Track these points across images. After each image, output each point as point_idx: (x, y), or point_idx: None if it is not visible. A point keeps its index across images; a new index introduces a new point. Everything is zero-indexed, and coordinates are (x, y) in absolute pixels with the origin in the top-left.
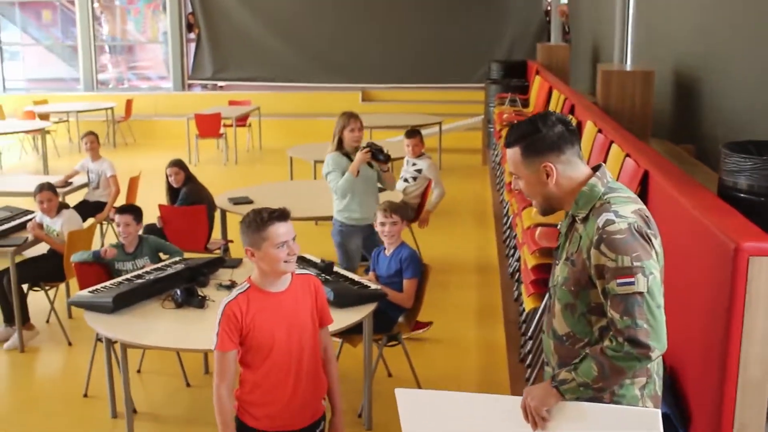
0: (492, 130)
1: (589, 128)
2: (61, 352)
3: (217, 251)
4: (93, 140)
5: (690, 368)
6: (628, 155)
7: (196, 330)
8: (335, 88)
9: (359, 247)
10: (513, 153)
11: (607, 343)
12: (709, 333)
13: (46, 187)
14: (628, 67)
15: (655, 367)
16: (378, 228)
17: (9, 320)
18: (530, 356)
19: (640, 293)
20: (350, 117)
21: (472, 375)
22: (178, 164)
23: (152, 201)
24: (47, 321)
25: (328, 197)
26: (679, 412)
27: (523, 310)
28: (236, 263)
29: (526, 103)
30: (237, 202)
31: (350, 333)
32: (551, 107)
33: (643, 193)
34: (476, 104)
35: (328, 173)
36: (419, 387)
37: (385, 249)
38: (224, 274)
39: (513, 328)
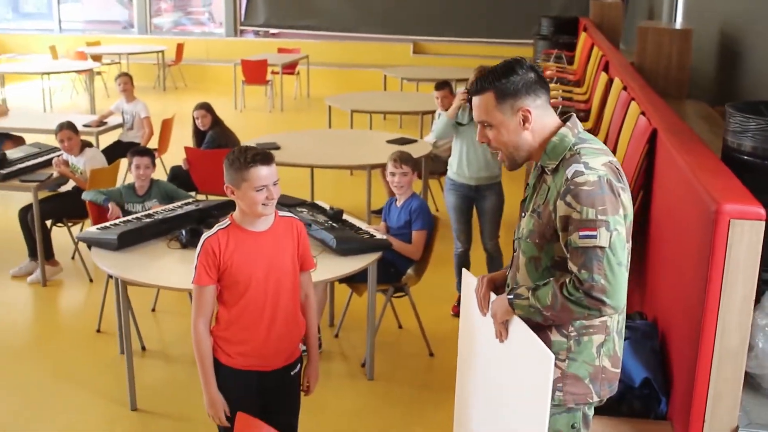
0: None
1: (615, 85)
2: (81, 288)
3: None
4: (126, 81)
5: (674, 333)
6: (643, 113)
7: None
8: (386, 40)
9: (457, 208)
10: (485, 99)
11: (567, 281)
12: (692, 298)
13: (66, 126)
14: (677, 26)
15: (615, 325)
16: (388, 178)
17: (33, 254)
18: None
19: (601, 247)
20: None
21: None
22: (204, 107)
23: (184, 144)
24: (72, 257)
25: (365, 147)
26: (662, 377)
27: None
28: None
29: (571, 60)
30: (264, 147)
31: (357, 282)
32: (590, 65)
33: (650, 152)
34: None
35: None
36: (426, 340)
37: (396, 200)
38: None
39: None
